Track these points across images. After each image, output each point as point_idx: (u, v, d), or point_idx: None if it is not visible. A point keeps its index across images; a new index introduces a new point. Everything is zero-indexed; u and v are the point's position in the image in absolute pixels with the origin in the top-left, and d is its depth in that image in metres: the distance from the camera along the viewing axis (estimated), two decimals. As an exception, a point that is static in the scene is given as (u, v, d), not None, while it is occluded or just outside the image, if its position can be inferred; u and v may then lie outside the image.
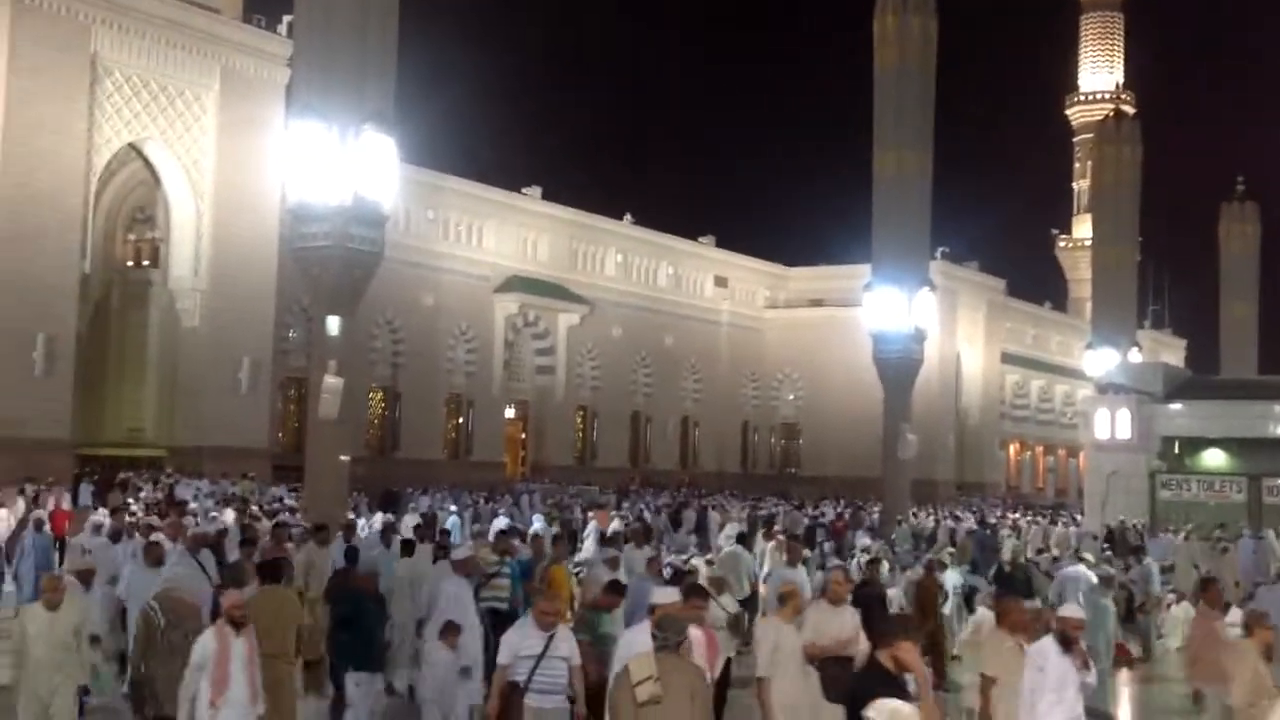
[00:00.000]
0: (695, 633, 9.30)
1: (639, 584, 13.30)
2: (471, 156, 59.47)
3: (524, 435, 60.03)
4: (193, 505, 27.24)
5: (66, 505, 27.84)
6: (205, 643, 9.59)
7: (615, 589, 12.49)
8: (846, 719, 7.32)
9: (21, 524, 21.11)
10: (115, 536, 17.38)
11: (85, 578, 12.94)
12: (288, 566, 13.36)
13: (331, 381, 24.33)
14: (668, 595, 9.38)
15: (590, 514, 31.76)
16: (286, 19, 42.24)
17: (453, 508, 31.97)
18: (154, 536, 15.83)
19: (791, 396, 72.51)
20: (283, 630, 10.96)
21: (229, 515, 23.95)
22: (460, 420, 55.52)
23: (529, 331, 58.81)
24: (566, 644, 9.63)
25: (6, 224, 36.37)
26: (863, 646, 9.27)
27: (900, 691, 7.00)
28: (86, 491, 31.72)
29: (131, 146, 40.54)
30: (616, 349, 62.59)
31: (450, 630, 11.82)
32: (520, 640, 9.55)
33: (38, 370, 36.93)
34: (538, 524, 26.82)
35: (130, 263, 43.65)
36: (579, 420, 61.81)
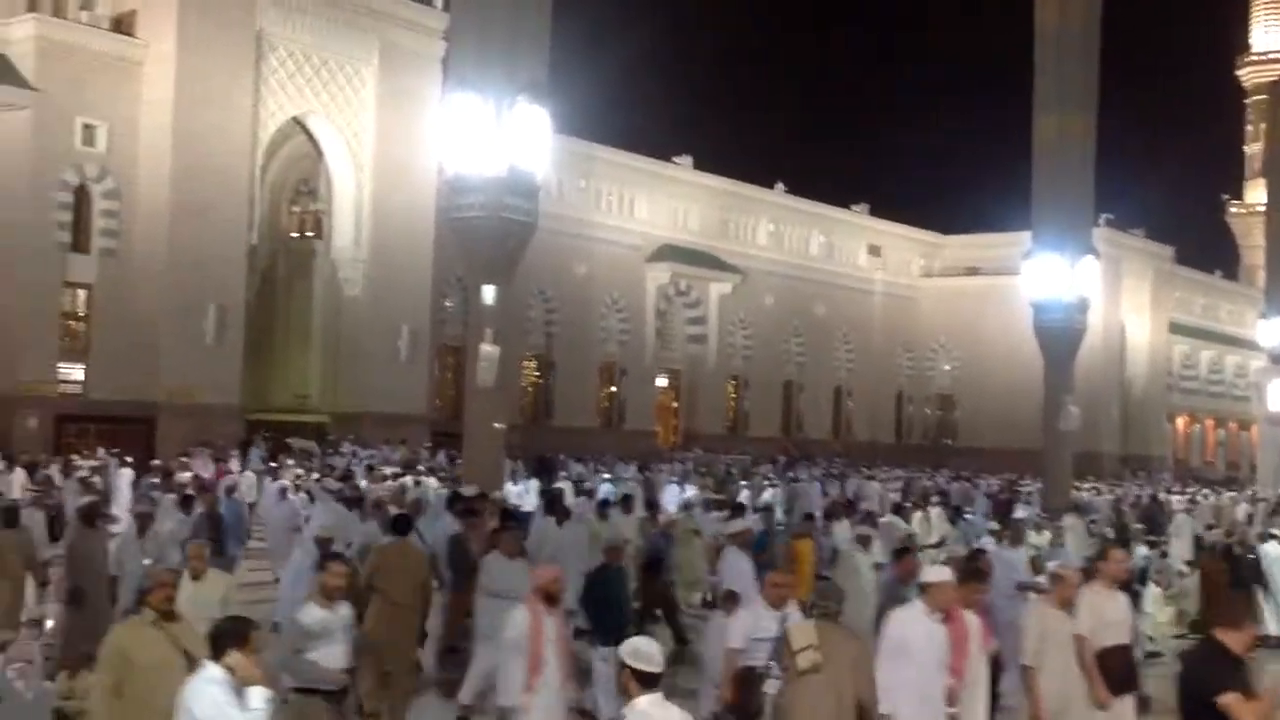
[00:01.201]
0: (971, 618, 8.84)
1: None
2: (623, 126, 59.66)
3: (676, 404, 60.21)
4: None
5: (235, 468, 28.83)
6: (519, 620, 8.95)
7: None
8: (1186, 708, 6.58)
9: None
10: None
11: (325, 544, 12.94)
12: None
13: (488, 350, 24.63)
14: (939, 574, 8.87)
15: (768, 482, 31.82)
16: (442, -8, 42.91)
17: (606, 475, 32.25)
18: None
19: (947, 366, 71.28)
20: (411, 583, 11.68)
21: (432, 482, 24.54)
22: (613, 389, 55.93)
23: (680, 300, 58.87)
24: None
25: (178, 198, 37.70)
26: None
27: (1247, 678, 6.40)
28: (256, 456, 32.84)
29: (295, 120, 41.60)
30: (768, 318, 62.29)
31: (730, 600, 11.34)
32: (754, 621, 8.92)
33: (209, 339, 38.26)
34: (690, 492, 26.93)
35: (295, 234, 44.88)
36: (731, 389, 61.74)
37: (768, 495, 27.92)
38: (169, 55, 37.80)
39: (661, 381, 58.75)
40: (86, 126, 37.14)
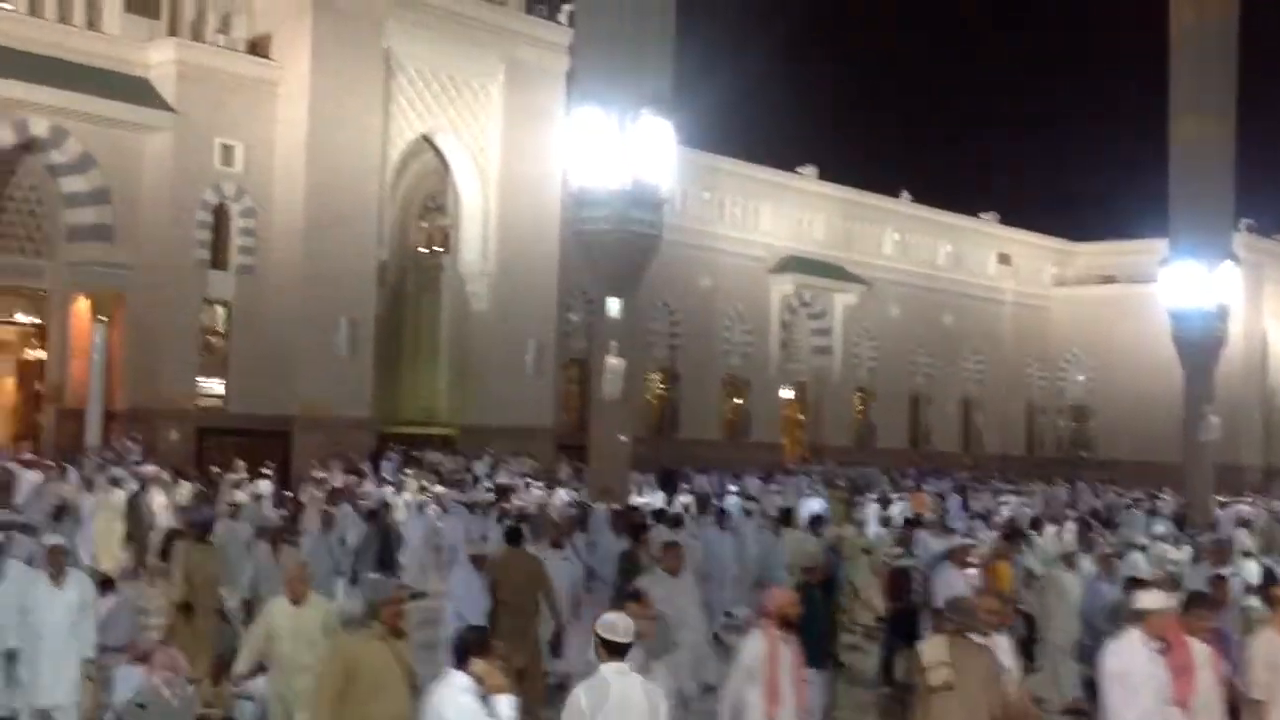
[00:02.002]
0: (1199, 646, 8.34)
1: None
2: (747, 137, 59.34)
3: (801, 416, 59.80)
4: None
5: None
6: (753, 646, 8.48)
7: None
8: None
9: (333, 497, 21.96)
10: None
11: (479, 562, 12.85)
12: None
13: (613, 362, 24.79)
14: (1157, 600, 8.38)
15: (898, 496, 31.41)
16: (567, 8, 43.22)
17: (733, 488, 32.17)
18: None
19: (1081, 377, 69.65)
20: (526, 590, 12.47)
21: (561, 495, 24.73)
22: (737, 401, 55.78)
23: (805, 312, 58.50)
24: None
25: (311, 216, 38.60)
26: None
27: None
28: (388, 467, 33.43)
29: (423, 138, 42.31)
30: (895, 329, 61.57)
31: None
32: None
33: (341, 353, 39.05)
34: (817, 505, 26.68)
35: (423, 249, 45.60)
36: (857, 401, 61.13)
37: (896, 509, 27.58)
38: (303, 76, 38.76)
39: (786, 394, 58.40)
40: (225, 147, 38.24)
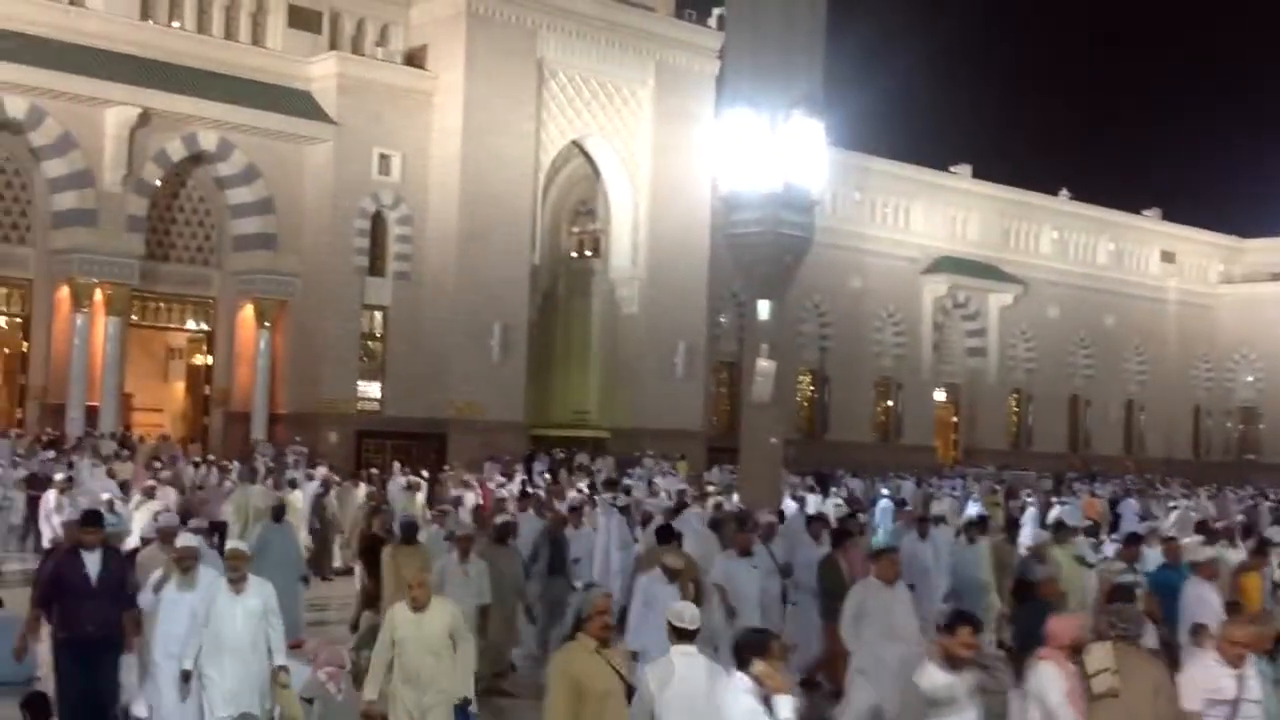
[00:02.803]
0: None
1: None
2: (898, 136, 58.58)
3: (955, 419, 58.81)
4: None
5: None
6: (1050, 681, 7.65)
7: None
8: None
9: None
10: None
11: (673, 574, 12.30)
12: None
13: (764, 365, 24.64)
14: None
15: (1058, 500, 30.67)
16: (716, 11, 43.28)
17: (884, 491, 31.78)
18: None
19: (1250, 378, 67.08)
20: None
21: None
22: (889, 403, 55.11)
23: (959, 313, 57.52)
24: (1258, 681, 7.75)
25: (466, 222, 39.32)
26: None
27: None
28: (539, 470, 33.84)
29: (574, 144, 42.76)
30: (1053, 329, 60.12)
31: (1200, 634, 9.97)
32: (1209, 677, 7.79)
33: (494, 357, 39.69)
34: (973, 509, 26.20)
35: (574, 254, 46.08)
36: (1013, 403, 59.85)
37: (1055, 513, 26.89)
38: (457, 86, 39.52)
39: (939, 395, 57.48)
40: (382, 156, 39.20)
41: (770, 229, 25.07)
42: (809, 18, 25.08)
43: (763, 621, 12.97)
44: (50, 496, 20.55)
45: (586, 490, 26.44)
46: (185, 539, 10.84)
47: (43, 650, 10.96)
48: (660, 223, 43.51)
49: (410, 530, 13.95)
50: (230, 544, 10.40)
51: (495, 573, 13.05)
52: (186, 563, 10.40)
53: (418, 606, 9.53)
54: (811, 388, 52.67)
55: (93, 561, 10.51)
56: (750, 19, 25.22)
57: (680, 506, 19.80)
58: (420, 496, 24.32)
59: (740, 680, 6.73)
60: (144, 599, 10.62)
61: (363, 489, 24.00)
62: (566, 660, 7.77)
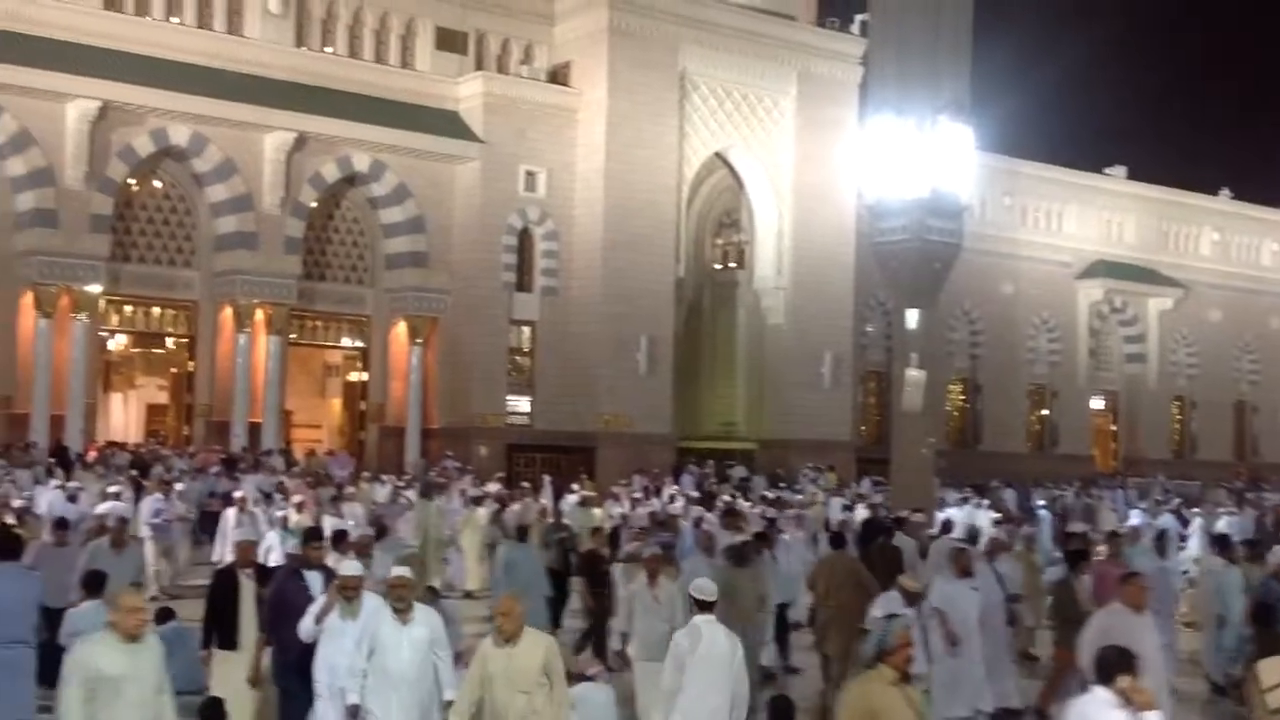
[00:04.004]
0: None
1: None
2: (1049, 139, 57.29)
3: (1113, 427, 57.19)
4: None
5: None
6: None
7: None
8: None
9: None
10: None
11: (912, 597, 11.81)
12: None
13: (914, 374, 24.38)
14: None
15: (1224, 510, 29.60)
16: (859, 18, 42.85)
17: (1041, 502, 31.02)
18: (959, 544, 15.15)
19: None
20: (848, 590, 13.05)
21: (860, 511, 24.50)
22: (1044, 411, 53.86)
23: (1116, 318, 55.97)
24: None
25: (611, 236, 39.60)
26: None
27: None
28: (689, 482, 33.86)
29: (717, 155, 42.75)
30: (1215, 334, 58.05)
31: None
32: None
33: (642, 370, 39.85)
34: (1136, 518, 25.43)
35: (718, 265, 46.04)
36: (1175, 410, 57.93)
37: (1222, 524, 25.91)
38: (601, 102, 39.86)
39: (1097, 403, 55.96)
40: (528, 173, 39.72)
41: (918, 236, 24.84)
42: (954, 22, 24.75)
43: (986, 647, 12.51)
44: (230, 515, 20.46)
45: (740, 500, 26.38)
46: (348, 565, 10.24)
47: (216, 662, 11.04)
48: (805, 232, 43.24)
49: (739, 552, 13.30)
50: (395, 571, 9.67)
51: (740, 597, 12.38)
52: (350, 591, 9.81)
53: (506, 638, 8.72)
54: (963, 397, 51.76)
55: (315, 581, 10.27)
56: (894, 25, 24.98)
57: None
58: (598, 512, 23.37)
59: (1102, 694, 6.67)
60: (305, 629, 10.02)
61: (541, 505, 23.69)
62: (864, 692, 7.36)
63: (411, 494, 23.75)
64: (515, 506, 23.43)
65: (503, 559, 15.19)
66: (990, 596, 13.26)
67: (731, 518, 17.53)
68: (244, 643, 10.80)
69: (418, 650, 9.17)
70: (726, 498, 27.09)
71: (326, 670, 9.62)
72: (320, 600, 10.11)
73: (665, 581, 12.19)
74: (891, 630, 7.58)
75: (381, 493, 26.47)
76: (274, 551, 15.29)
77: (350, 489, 24.74)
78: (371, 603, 9.69)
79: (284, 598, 10.38)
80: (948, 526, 19.55)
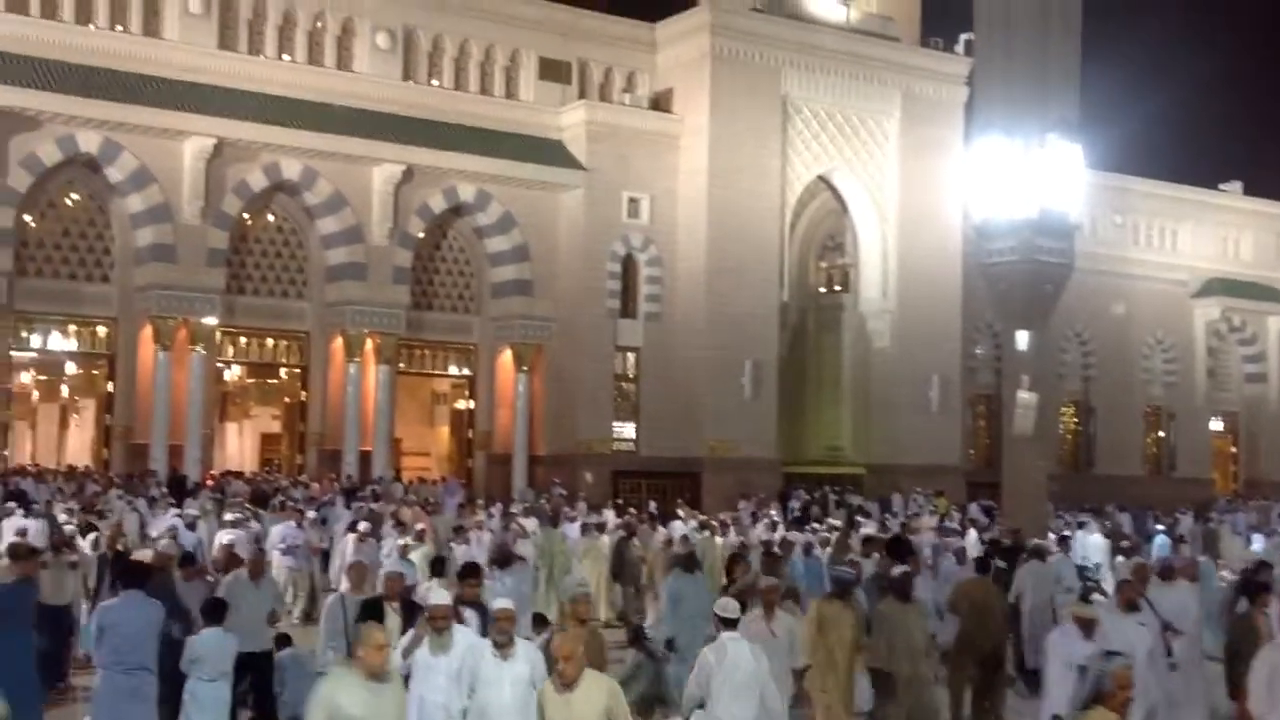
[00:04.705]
0: None
1: None
2: (1161, 156, 56.20)
3: (1234, 449, 55.62)
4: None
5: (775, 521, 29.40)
6: None
7: None
8: None
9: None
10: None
11: (1089, 626, 10.90)
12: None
13: (1025, 397, 23.97)
14: None
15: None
16: (963, 37, 42.48)
17: (1159, 526, 30.24)
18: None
19: None
20: (984, 614, 13.39)
21: (971, 536, 24.07)
22: (1160, 434, 52.60)
23: (1234, 337, 54.51)
24: None
25: (714, 261, 39.60)
26: None
27: None
28: (794, 506, 33.63)
29: (820, 178, 42.57)
30: (1341, 352, 56.28)
31: None
32: None
33: (746, 394, 39.72)
34: (1257, 545, 24.66)
35: (822, 289, 45.80)
36: (1298, 432, 56.20)
37: (1257, 546, 24.94)
38: (703, 128, 39.95)
39: (1216, 425, 54.50)
40: (631, 200, 39.91)
41: (1027, 256, 24.48)
42: (1063, 39, 24.40)
43: (1157, 686, 11.62)
44: (349, 544, 19.98)
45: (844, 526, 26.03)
46: (437, 595, 9.70)
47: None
48: (910, 254, 42.84)
49: (845, 584, 12.39)
50: (498, 603, 9.16)
51: (909, 636, 11.75)
52: (440, 622, 9.19)
53: (566, 683, 8.10)
54: (1075, 419, 50.81)
55: (473, 620, 9.87)
56: (1001, 44, 24.70)
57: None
58: (720, 540, 22.48)
59: None
60: (393, 663, 9.13)
61: (663, 532, 23.09)
62: None
63: (528, 522, 23.49)
64: (658, 536, 22.78)
65: (670, 591, 14.24)
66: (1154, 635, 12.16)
67: (896, 547, 16.03)
68: None
69: (519, 688, 8.66)
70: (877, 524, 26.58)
71: (417, 708, 9.03)
72: (409, 634, 9.63)
73: (782, 615, 11.58)
74: (1108, 671, 6.94)
75: (493, 521, 26.45)
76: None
77: (473, 518, 24.64)
78: (464, 637, 9.26)
79: None
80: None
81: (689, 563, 15.06)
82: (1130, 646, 11.15)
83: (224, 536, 19.05)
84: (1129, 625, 11.71)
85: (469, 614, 10.40)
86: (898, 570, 13.04)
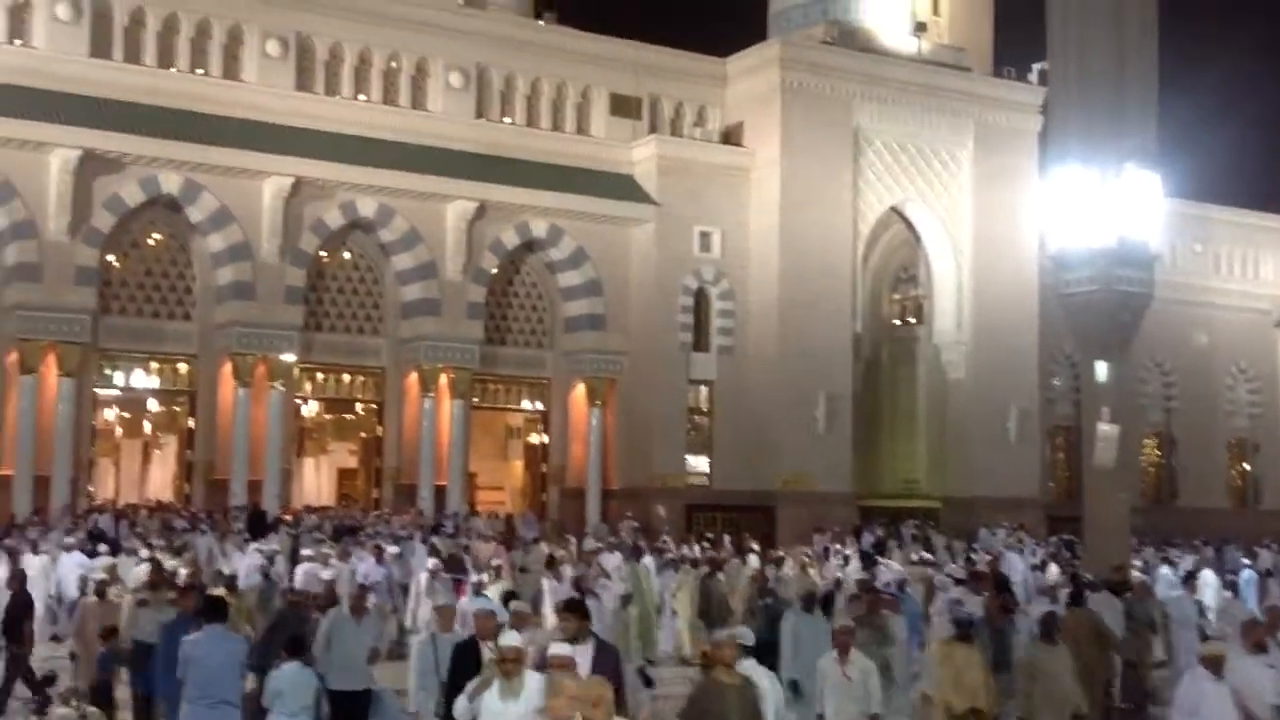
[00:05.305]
0: None
1: None
2: (1242, 183, 55.33)
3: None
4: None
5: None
6: None
7: None
8: None
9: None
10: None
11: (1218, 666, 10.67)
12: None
13: (1106, 429, 23.61)
14: None
15: None
16: (1036, 67, 42.16)
17: (1245, 561, 29.57)
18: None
19: None
20: (1087, 644, 13.49)
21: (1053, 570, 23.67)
22: (1245, 466, 51.52)
23: (1321, 367, 53.35)
24: None
25: (786, 294, 39.51)
26: None
27: None
28: (868, 540, 33.31)
29: (893, 209, 42.36)
30: None
31: None
32: None
33: (820, 427, 39.49)
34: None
35: (896, 321, 45.49)
36: (1388, 463, 54.74)
37: None
38: (774, 160, 39.96)
39: (1304, 456, 53.29)
40: (703, 234, 39.97)
41: (1105, 286, 24.20)
42: (1139, 67, 24.15)
43: None
44: (422, 579, 19.70)
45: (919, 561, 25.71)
46: (510, 637, 9.18)
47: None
48: (985, 285, 42.45)
49: (966, 627, 11.83)
50: (554, 649, 8.73)
51: (1058, 681, 11.34)
52: (510, 665, 8.72)
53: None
54: (1158, 451, 49.95)
55: (584, 655, 9.31)
56: (1075, 72, 24.49)
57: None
58: (815, 573, 22.07)
59: None
60: (459, 709, 9.07)
61: (753, 568, 22.55)
62: None
63: (612, 558, 23.24)
64: (773, 565, 22.31)
65: (791, 631, 13.62)
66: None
67: (1003, 598, 14.92)
68: None
69: None
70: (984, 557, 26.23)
71: None
72: (477, 677, 9.23)
73: (858, 657, 11.25)
74: None
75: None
76: (467, 619, 13.87)
77: (561, 550, 24.50)
78: (535, 681, 8.76)
79: None
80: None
81: (809, 602, 14.49)
82: (1258, 688, 10.95)
83: (309, 571, 19.11)
84: (1257, 667, 11.30)
85: (578, 650, 9.60)
86: (1043, 611, 12.74)
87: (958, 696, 11.14)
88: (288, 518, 31.11)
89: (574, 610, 10.10)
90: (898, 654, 13.80)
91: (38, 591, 19.13)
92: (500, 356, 39.18)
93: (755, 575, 19.90)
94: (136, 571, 18.27)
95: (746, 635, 10.40)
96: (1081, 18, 24.51)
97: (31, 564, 20.58)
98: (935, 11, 44.78)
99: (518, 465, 43.19)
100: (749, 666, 10.00)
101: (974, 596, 16.28)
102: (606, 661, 9.52)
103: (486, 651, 10.20)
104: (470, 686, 8.96)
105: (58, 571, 21.18)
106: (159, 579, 15.73)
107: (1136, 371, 42.22)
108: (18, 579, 17.09)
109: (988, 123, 42.93)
